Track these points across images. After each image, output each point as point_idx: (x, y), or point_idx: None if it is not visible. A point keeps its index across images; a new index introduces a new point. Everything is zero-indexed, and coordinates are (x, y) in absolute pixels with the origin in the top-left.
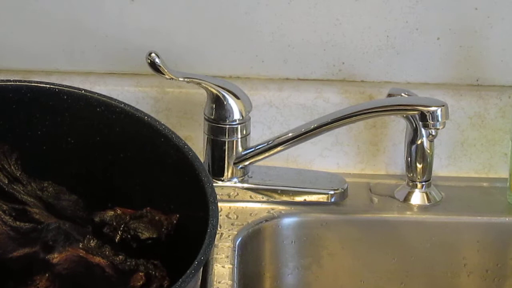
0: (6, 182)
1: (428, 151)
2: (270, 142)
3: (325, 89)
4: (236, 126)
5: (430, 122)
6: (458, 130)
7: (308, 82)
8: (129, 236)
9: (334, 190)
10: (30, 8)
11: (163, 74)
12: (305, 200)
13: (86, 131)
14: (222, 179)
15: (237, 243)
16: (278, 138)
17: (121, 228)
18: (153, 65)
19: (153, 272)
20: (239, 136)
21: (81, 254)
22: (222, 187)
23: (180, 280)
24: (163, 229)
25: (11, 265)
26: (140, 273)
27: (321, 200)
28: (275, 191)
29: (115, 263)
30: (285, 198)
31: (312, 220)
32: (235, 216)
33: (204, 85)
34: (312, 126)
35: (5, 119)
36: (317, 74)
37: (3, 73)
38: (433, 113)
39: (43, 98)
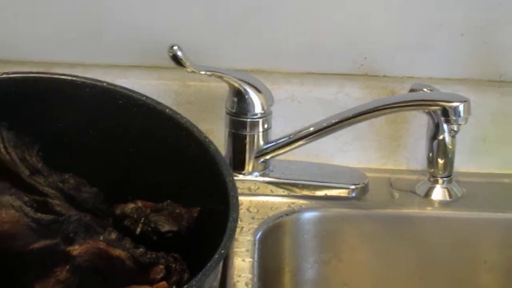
0: (28, 173)
1: (450, 147)
2: (291, 136)
3: (347, 84)
4: (257, 120)
5: (452, 117)
6: (480, 126)
7: (330, 76)
8: (149, 229)
9: (355, 184)
10: (54, 1)
11: (185, 67)
12: (325, 194)
13: (107, 124)
14: (243, 172)
15: (257, 237)
16: (299, 132)
17: (141, 221)
18: (175, 58)
19: (173, 265)
20: (260, 130)
21: (101, 246)
22: (242, 180)
23: (200, 273)
24: (183, 222)
25: (32, 256)
26: (160, 266)
27: (341, 194)
28: (295, 185)
29: (135, 256)
30: (305, 192)
31: (332, 215)
32: (256, 210)
33: (226, 79)
34: (334, 121)
35: (27, 110)
36: (339, 69)
37: (27, 65)
38: (455, 109)
39: (65, 91)
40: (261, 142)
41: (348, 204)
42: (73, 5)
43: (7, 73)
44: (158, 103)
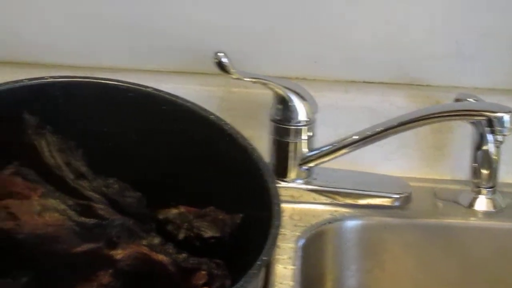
0: (72, 177)
1: (494, 157)
2: (335, 144)
3: (391, 93)
4: (301, 127)
5: (497, 128)
6: None
7: (374, 85)
8: (192, 234)
9: (398, 194)
10: (96, 5)
11: (230, 73)
12: (368, 203)
13: (151, 129)
14: (286, 180)
15: (299, 244)
16: (343, 140)
17: (184, 227)
18: (220, 65)
19: (215, 271)
20: (304, 137)
21: (144, 251)
22: (286, 188)
23: (242, 279)
24: (226, 229)
25: (75, 259)
26: (203, 272)
27: (384, 203)
28: (338, 193)
29: (178, 261)
30: (348, 200)
31: (375, 224)
32: (298, 217)
33: (270, 86)
34: (378, 129)
35: (71, 115)
36: (383, 77)
37: (69, 69)
38: (500, 119)
39: (110, 95)
40: (305, 150)
41: (391, 213)
42: (118, 11)
43: (53, 77)
44: (202, 109)
